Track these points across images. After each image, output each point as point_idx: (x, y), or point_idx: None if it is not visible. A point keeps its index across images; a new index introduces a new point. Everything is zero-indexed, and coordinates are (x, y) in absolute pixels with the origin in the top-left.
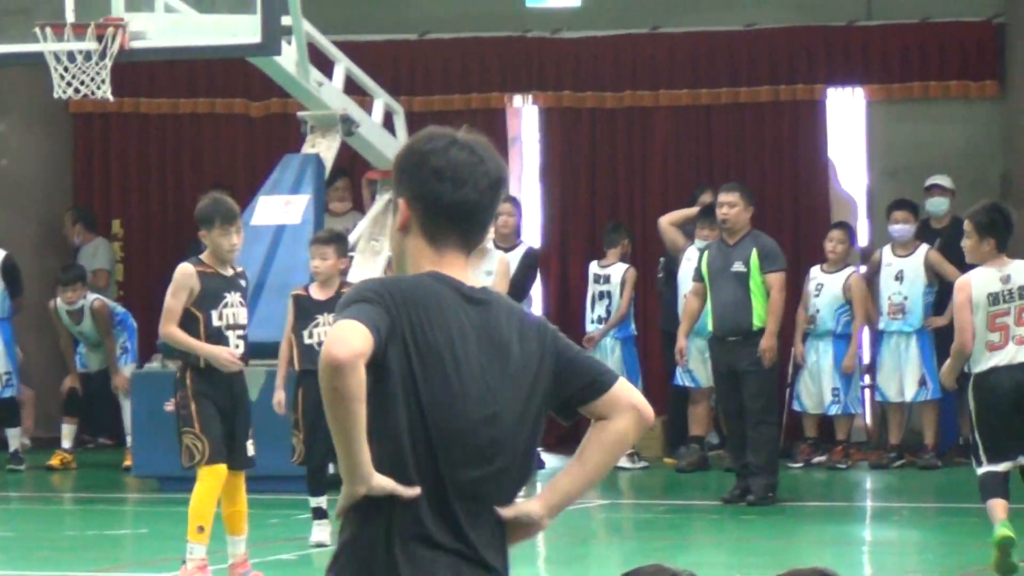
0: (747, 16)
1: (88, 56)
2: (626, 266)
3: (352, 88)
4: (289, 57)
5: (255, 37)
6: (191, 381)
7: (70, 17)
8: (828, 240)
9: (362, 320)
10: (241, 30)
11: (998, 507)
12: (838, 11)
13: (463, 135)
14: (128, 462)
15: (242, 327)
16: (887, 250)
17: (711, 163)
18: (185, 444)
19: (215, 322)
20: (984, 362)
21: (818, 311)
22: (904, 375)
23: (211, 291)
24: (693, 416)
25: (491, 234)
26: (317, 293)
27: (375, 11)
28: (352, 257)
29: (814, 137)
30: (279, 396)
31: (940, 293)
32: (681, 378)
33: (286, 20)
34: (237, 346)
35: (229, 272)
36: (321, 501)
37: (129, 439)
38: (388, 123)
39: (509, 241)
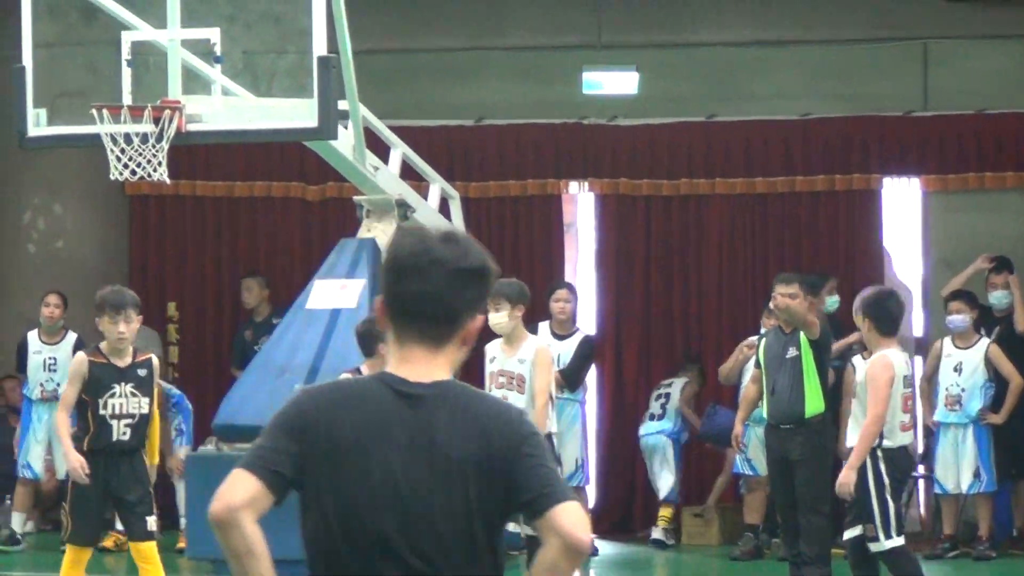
0: (802, 106)
1: (145, 138)
2: (685, 379)
3: (408, 173)
4: (346, 141)
5: (312, 121)
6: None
7: (127, 99)
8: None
9: (254, 464)
10: (298, 114)
11: None
12: (894, 102)
13: (429, 228)
14: (182, 544)
15: (131, 416)
16: (947, 341)
17: (767, 252)
18: (62, 518)
19: (100, 411)
20: None
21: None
22: (960, 467)
23: (99, 380)
24: (749, 504)
25: (505, 323)
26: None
27: (431, 97)
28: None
29: (870, 226)
30: None
31: (998, 388)
32: (741, 466)
33: (343, 104)
34: (124, 433)
35: (125, 362)
36: None
37: (183, 521)
38: (444, 208)
39: (566, 328)
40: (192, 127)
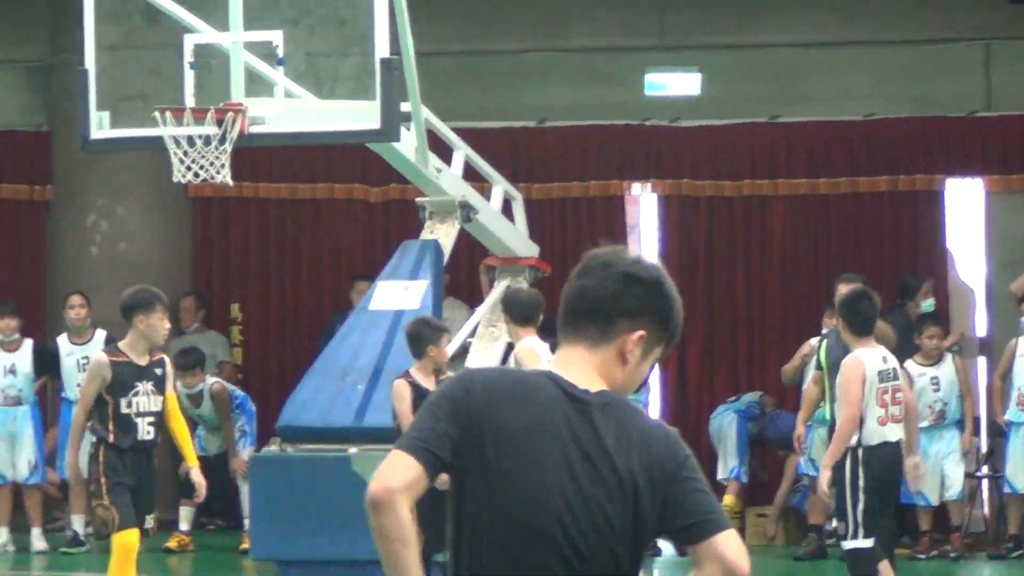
0: (866, 107)
1: (207, 140)
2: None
3: (471, 175)
4: (408, 143)
5: (374, 123)
6: (103, 456)
7: (189, 102)
8: (929, 337)
9: (415, 446)
10: (360, 116)
11: None
12: (957, 102)
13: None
14: (246, 545)
15: (154, 414)
16: (1021, 340)
17: (829, 252)
18: (98, 516)
19: (124, 409)
20: None
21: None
22: None
23: (123, 379)
24: (812, 505)
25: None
26: (424, 382)
27: (494, 98)
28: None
29: (933, 227)
30: None
31: None
32: (804, 467)
33: (405, 106)
34: (148, 432)
35: (144, 361)
36: None
37: (247, 522)
38: (507, 210)
39: None
40: (255, 129)
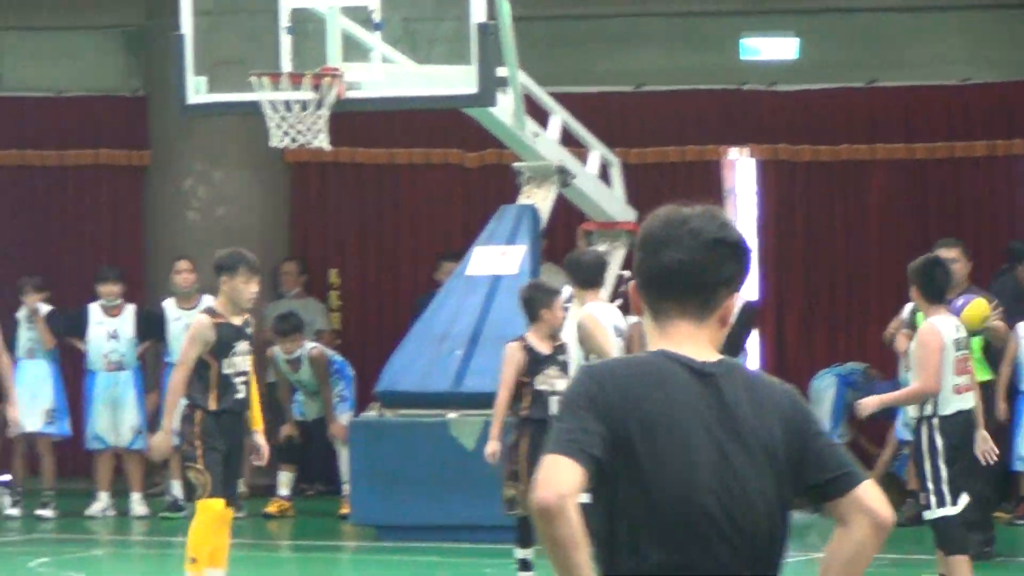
0: (962, 71)
1: (304, 106)
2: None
3: (568, 139)
4: (505, 108)
5: (471, 88)
6: (199, 420)
7: (286, 67)
8: None
9: (571, 448)
10: (457, 81)
11: None
12: None
13: (681, 205)
14: (345, 510)
15: (246, 374)
16: None
17: (927, 217)
18: (188, 478)
19: (225, 370)
20: None
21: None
22: None
23: (225, 341)
24: (911, 471)
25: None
26: (539, 345)
27: (591, 63)
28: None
29: None
30: (493, 447)
31: None
32: (901, 431)
33: (502, 71)
34: (241, 392)
35: (238, 321)
36: (528, 553)
37: (346, 487)
38: (604, 175)
39: None
40: (352, 94)
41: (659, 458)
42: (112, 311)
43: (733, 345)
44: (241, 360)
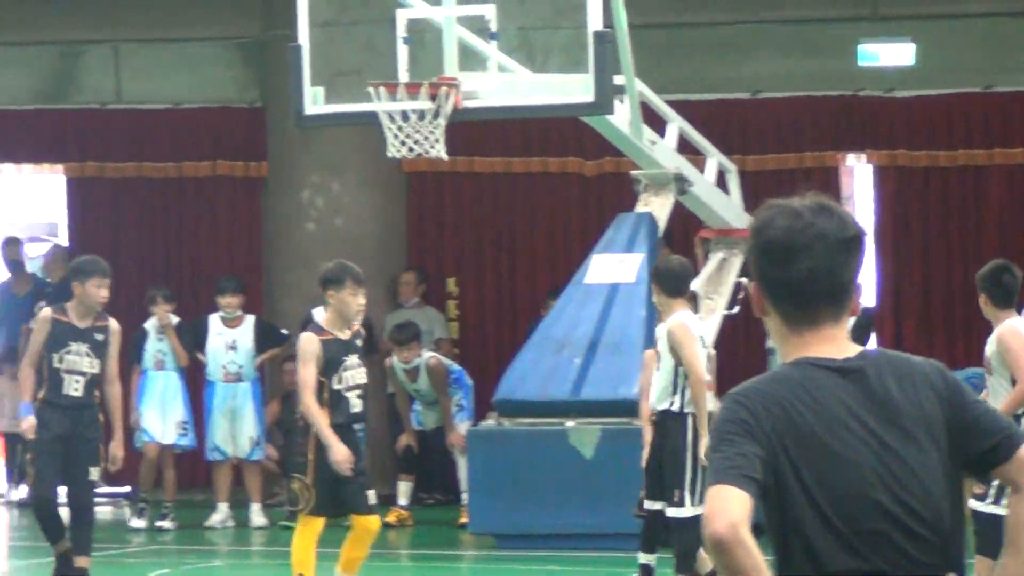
0: None
1: (422, 115)
2: None
3: (685, 147)
4: (622, 116)
5: (588, 96)
6: (313, 434)
7: (403, 77)
8: None
9: (733, 475)
10: (574, 89)
11: None
12: None
13: (796, 201)
14: (464, 519)
15: (360, 387)
16: None
17: None
18: (293, 489)
19: (335, 386)
20: None
21: None
22: None
23: (334, 356)
24: None
25: None
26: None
27: (707, 71)
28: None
29: None
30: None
31: None
32: None
33: (619, 79)
34: (357, 406)
35: (347, 335)
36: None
37: (465, 496)
38: (721, 182)
39: None
40: (469, 103)
41: (821, 468)
42: (231, 322)
43: None
44: (352, 374)
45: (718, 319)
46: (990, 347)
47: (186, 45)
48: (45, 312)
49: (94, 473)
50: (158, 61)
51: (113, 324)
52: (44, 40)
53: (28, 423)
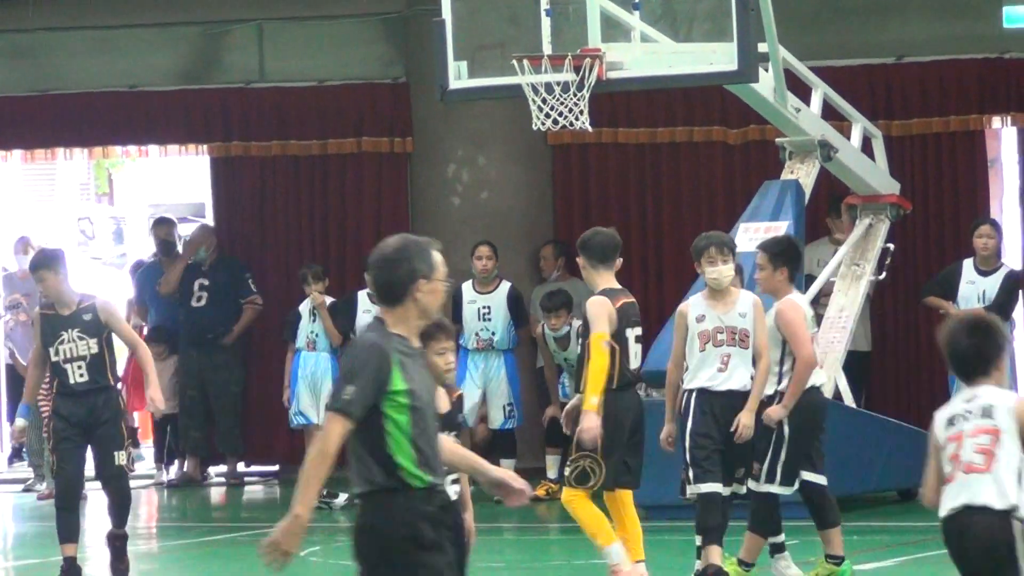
0: None
1: (566, 87)
2: None
3: (830, 113)
4: (766, 84)
5: (732, 65)
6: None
7: (547, 49)
8: None
9: None
10: (718, 58)
11: None
12: None
13: None
14: None
15: None
16: None
17: None
18: (582, 466)
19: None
20: None
21: None
22: None
23: (622, 319)
24: None
25: (726, 277)
26: None
27: (851, 36)
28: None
29: None
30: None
31: None
32: None
33: (762, 47)
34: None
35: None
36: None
37: None
38: (867, 147)
39: (990, 264)
40: (612, 74)
41: None
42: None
43: (1000, 313)
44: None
45: (865, 286)
46: None
47: (330, 22)
48: (36, 310)
49: (120, 457)
50: (302, 39)
51: (99, 301)
52: (188, 20)
53: (16, 425)
